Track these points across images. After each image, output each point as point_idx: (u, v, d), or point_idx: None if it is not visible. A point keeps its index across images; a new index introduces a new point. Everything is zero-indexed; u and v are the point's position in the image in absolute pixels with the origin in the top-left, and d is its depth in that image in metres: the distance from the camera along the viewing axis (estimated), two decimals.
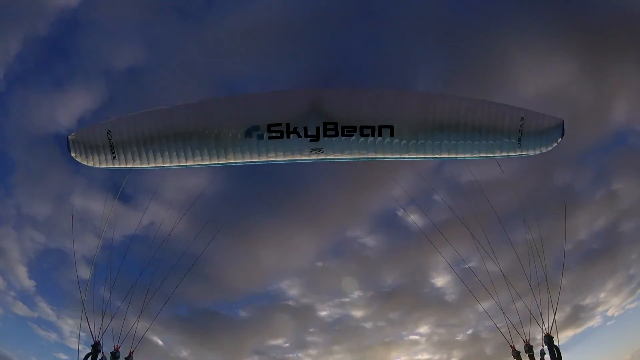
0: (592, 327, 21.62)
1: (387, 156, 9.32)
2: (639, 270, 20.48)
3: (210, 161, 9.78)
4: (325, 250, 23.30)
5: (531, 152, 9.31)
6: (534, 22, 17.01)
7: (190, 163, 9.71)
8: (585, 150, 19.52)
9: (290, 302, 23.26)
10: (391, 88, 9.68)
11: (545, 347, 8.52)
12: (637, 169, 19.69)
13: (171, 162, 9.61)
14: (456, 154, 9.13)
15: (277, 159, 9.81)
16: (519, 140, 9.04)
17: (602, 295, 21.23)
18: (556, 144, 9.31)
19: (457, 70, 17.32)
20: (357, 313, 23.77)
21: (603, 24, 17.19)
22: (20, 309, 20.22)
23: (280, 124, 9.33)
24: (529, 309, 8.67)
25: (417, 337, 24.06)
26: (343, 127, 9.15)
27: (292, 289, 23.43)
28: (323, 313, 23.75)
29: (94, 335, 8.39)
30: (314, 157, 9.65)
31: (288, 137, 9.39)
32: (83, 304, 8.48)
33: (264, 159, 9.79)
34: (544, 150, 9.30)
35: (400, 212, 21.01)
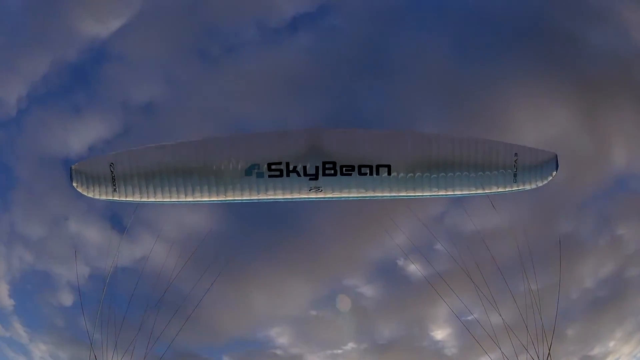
0: None
1: (385, 194, 9.50)
2: None
3: (209, 198, 9.90)
4: (319, 298, 22.63)
5: (527, 187, 9.57)
6: (532, 73, 17.72)
7: (189, 199, 9.81)
8: (587, 197, 19.58)
9: (278, 351, 22.21)
10: (389, 128, 9.96)
11: None
12: None
13: (170, 197, 9.71)
14: (453, 190, 9.37)
15: (276, 197, 9.91)
16: (515, 175, 9.35)
17: (612, 344, 20.41)
18: (551, 178, 9.60)
19: (458, 119, 17.87)
20: None
21: (598, 71, 17.85)
22: None
23: (280, 163, 9.56)
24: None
25: None
26: (341, 166, 9.40)
27: (281, 337, 22.40)
28: None
29: None
30: (312, 195, 9.80)
31: (287, 175, 9.59)
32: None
33: (263, 197, 9.90)
34: (539, 185, 9.60)
35: (400, 261, 20.70)
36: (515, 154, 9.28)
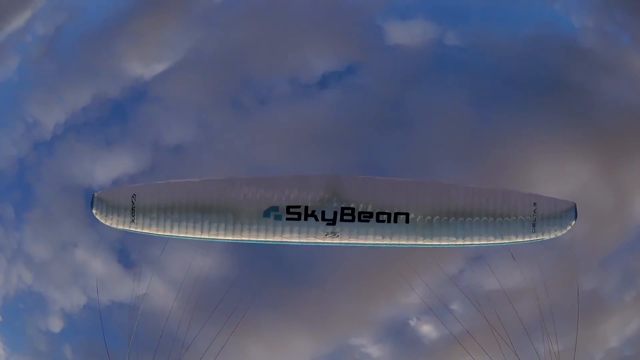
0: None
1: (402, 242, 9.45)
2: None
3: (225, 236, 9.94)
4: (322, 356, 21.60)
5: (546, 236, 9.45)
6: (549, 127, 17.88)
7: (205, 236, 9.88)
8: (610, 252, 18.89)
9: None
10: (409, 177, 10.05)
11: None
12: None
13: (186, 233, 9.80)
14: (472, 240, 9.29)
15: (292, 240, 9.90)
16: (534, 225, 9.30)
17: None
18: (570, 227, 9.48)
19: (477, 172, 17.93)
20: None
21: (613, 123, 17.90)
22: None
23: (299, 206, 9.66)
24: None
25: None
26: (360, 213, 9.46)
27: None
28: None
29: None
30: (328, 240, 9.77)
31: (305, 219, 9.66)
32: None
33: (278, 239, 9.91)
34: (558, 234, 9.46)
35: (412, 322, 19.86)
36: (534, 204, 9.30)
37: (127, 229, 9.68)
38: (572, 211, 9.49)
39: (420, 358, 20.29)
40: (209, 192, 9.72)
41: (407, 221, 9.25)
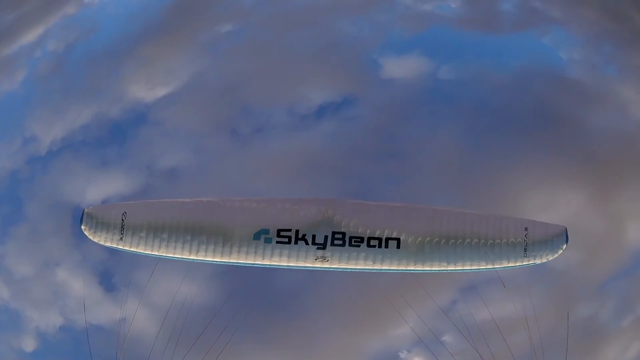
0: None
1: (392, 268, 9.31)
2: None
3: (213, 258, 9.81)
4: None
5: (537, 261, 9.38)
6: (540, 158, 18.23)
7: (193, 257, 9.74)
8: (606, 278, 18.76)
9: None
10: (400, 202, 10.06)
11: None
12: None
13: (174, 253, 9.67)
14: (463, 265, 9.19)
15: (281, 264, 9.76)
16: (525, 249, 9.25)
17: None
18: (561, 251, 9.42)
19: (470, 203, 18.03)
20: None
21: (603, 150, 18.31)
22: None
23: (289, 230, 9.58)
24: None
25: None
26: (351, 237, 9.38)
27: None
28: None
29: None
30: (318, 264, 9.64)
31: (296, 243, 9.56)
32: None
33: (267, 262, 9.77)
34: (550, 259, 9.38)
35: (403, 354, 19.32)
36: (526, 228, 9.31)
37: (115, 246, 9.53)
38: (562, 235, 9.48)
39: None
40: (199, 213, 9.65)
41: (398, 246, 9.18)
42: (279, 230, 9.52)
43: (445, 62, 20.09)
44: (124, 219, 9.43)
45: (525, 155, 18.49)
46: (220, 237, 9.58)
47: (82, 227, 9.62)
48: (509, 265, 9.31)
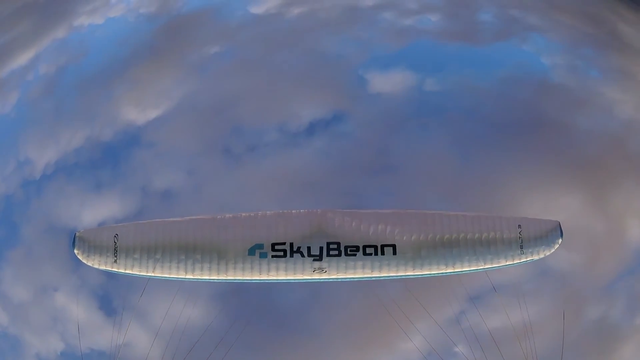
0: None
1: (390, 274, 9.27)
2: None
3: (210, 276, 9.69)
4: None
5: (535, 257, 9.40)
6: (532, 163, 18.37)
7: (189, 276, 9.62)
8: (612, 279, 18.68)
9: None
10: (393, 208, 10.06)
11: None
12: None
13: (170, 274, 9.54)
14: (461, 266, 9.18)
15: (279, 278, 9.66)
16: (521, 247, 9.30)
17: None
18: (557, 246, 9.45)
19: (464, 211, 18.09)
20: None
21: (593, 152, 18.53)
22: None
23: (284, 243, 9.53)
24: None
25: None
26: (346, 247, 9.36)
27: None
28: None
29: None
30: (316, 276, 9.55)
31: (291, 256, 9.50)
32: None
33: (264, 277, 9.67)
34: (547, 254, 9.40)
35: None
36: (519, 226, 9.39)
37: (110, 269, 9.41)
38: (557, 230, 9.55)
39: None
40: (192, 231, 9.59)
41: (394, 252, 9.17)
42: (273, 245, 9.47)
43: (430, 74, 20.51)
44: (116, 241, 9.34)
45: (517, 161, 18.73)
46: (214, 254, 9.48)
47: (75, 251, 9.50)
48: (507, 263, 9.32)
